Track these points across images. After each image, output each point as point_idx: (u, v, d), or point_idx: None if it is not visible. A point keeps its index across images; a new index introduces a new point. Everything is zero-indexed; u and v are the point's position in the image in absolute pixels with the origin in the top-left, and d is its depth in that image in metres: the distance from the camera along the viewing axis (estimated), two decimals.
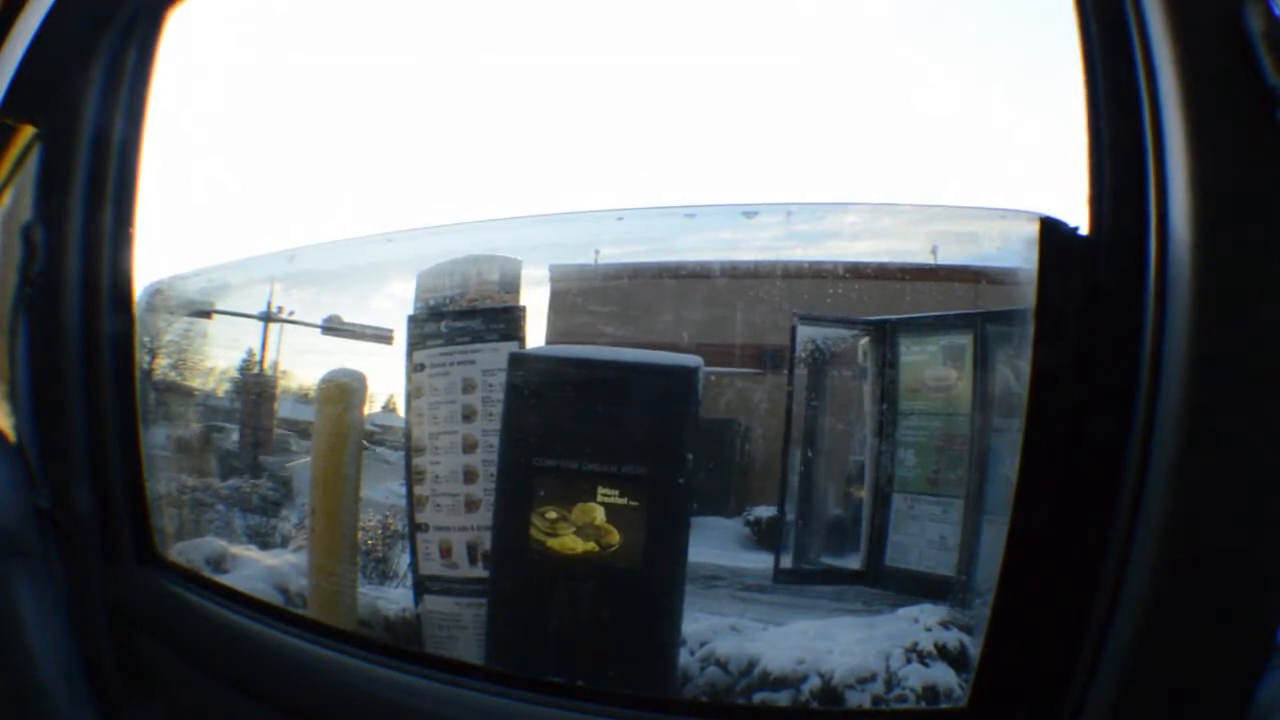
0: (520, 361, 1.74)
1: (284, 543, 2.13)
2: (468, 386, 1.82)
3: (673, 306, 1.72)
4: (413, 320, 1.89)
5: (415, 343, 1.88)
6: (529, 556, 1.64)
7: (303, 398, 2.22)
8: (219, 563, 2.02)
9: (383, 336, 2.00)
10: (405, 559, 1.91)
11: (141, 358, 1.90)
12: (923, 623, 1.64)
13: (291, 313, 2.18)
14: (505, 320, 1.82)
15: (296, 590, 1.94)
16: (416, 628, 1.84)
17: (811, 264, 1.57)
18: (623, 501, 1.60)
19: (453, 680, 1.28)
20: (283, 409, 2.33)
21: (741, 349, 1.73)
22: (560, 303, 1.84)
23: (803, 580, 1.83)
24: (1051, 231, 0.94)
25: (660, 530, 1.60)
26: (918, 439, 1.72)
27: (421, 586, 1.85)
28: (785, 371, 1.74)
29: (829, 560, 1.82)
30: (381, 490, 2.02)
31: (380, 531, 2.01)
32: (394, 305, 1.93)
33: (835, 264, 1.55)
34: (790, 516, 1.81)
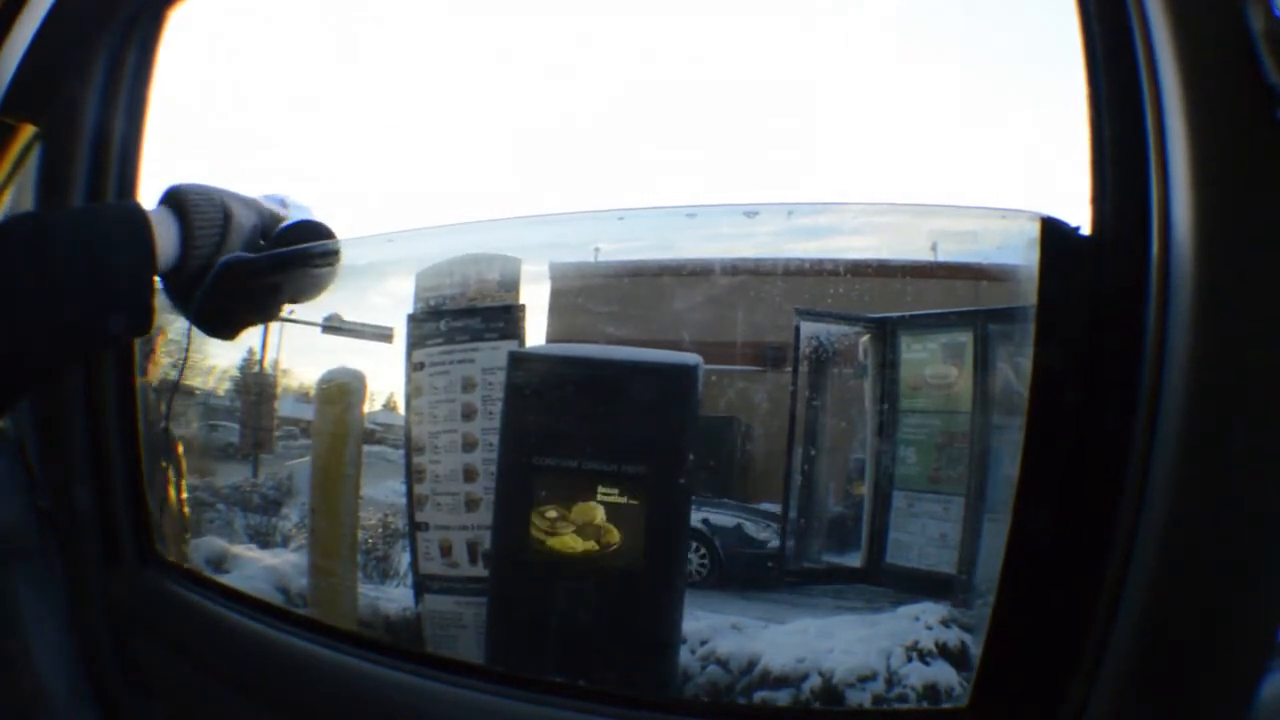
0: (520, 360, 1.74)
1: (284, 542, 2.13)
2: (467, 385, 1.82)
3: (673, 304, 1.72)
4: (412, 319, 1.89)
5: (415, 342, 1.88)
6: (529, 555, 1.63)
7: (303, 397, 2.22)
8: (219, 562, 2.02)
9: (383, 335, 1.99)
10: (405, 558, 1.91)
11: (141, 356, 1.90)
12: (924, 621, 1.64)
13: (291, 311, 2.18)
14: (505, 319, 1.81)
15: (297, 590, 1.94)
16: (417, 627, 1.84)
17: (812, 261, 1.57)
18: (623, 500, 1.60)
19: (453, 680, 1.28)
20: (283, 408, 2.33)
21: (742, 346, 1.73)
22: (560, 301, 1.84)
23: (804, 578, 1.83)
24: (1053, 231, 0.94)
25: (661, 529, 1.60)
26: (918, 436, 1.71)
27: (422, 586, 1.85)
28: (786, 369, 1.74)
29: (830, 558, 1.82)
30: (382, 489, 2.01)
31: (380, 530, 2.01)
32: (394, 304, 1.93)
33: (836, 261, 1.55)
34: (791, 514, 1.81)
